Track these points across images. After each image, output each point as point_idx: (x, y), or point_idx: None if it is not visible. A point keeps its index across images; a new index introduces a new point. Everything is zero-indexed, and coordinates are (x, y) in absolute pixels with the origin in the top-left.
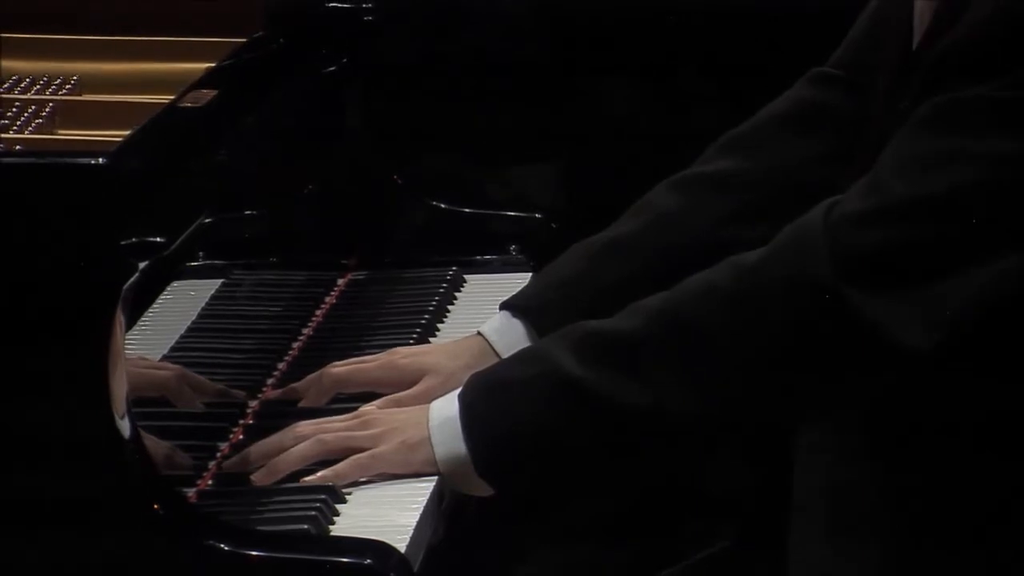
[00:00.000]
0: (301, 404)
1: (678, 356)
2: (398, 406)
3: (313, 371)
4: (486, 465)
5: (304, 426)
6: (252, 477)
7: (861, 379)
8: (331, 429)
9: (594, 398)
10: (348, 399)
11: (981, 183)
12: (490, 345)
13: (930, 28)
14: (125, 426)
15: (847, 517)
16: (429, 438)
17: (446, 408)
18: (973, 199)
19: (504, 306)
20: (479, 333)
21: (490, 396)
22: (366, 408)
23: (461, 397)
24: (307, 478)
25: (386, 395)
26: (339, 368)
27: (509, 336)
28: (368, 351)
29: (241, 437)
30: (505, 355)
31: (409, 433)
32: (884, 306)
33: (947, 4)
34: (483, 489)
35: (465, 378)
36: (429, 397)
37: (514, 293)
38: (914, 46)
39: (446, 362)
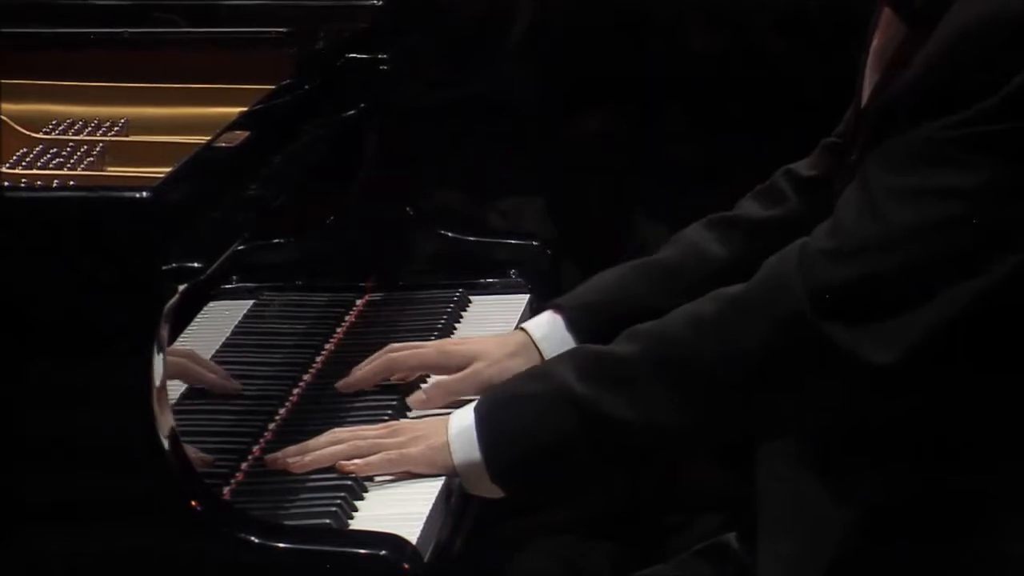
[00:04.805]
0: (358, 375)
1: (667, 377)
2: (447, 389)
3: (336, 381)
4: (498, 469)
5: (340, 432)
6: (288, 462)
7: (833, 395)
8: (364, 436)
9: (592, 411)
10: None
11: (932, 217)
12: (532, 340)
13: (875, 88)
14: (167, 432)
15: (805, 515)
16: (448, 445)
17: (464, 419)
18: (925, 232)
19: (551, 306)
20: (523, 329)
21: (502, 408)
22: (394, 422)
23: (476, 409)
24: (343, 462)
25: (434, 380)
26: (398, 350)
27: (552, 334)
28: None
29: (271, 440)
30: (544, 349)
31: (432, 440)
32: (854, 333)
33: (891, 66)
34: (495, 492)
35: (512, 366)
36: (476, 380)
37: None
38: (862, 105)
39: (493, 349)
